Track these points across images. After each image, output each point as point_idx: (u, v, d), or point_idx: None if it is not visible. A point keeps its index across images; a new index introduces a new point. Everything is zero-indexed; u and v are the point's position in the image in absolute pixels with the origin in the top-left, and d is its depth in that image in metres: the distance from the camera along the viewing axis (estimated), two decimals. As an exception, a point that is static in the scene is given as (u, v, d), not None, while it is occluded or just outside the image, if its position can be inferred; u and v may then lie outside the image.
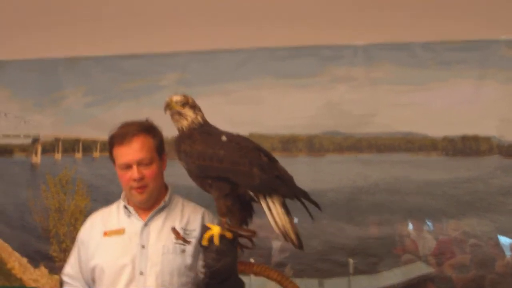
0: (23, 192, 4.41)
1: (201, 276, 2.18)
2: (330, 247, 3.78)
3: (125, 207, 2.50)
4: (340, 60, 3.90)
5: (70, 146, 4.41)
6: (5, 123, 4.49)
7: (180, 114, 2.28)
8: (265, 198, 2.15)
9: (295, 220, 3.57)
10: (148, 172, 2.38)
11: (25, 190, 4.41)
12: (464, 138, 3.77)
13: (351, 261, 3.77)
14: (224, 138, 2.19)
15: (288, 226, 2.14)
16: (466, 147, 3.78)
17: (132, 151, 2.36)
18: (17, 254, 4.36)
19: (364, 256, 3.77)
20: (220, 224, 2.17)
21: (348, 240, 3.79)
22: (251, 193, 2.17)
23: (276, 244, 3.91)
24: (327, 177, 3.70)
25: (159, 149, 2.45)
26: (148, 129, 2.43)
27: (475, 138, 3.76)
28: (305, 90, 3.93)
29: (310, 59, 3.96)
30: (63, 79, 4.37)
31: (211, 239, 2.15)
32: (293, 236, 2.15)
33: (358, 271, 3.77)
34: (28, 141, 4.48)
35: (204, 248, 2.17)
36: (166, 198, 2.51)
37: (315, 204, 2.19)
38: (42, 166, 4.47)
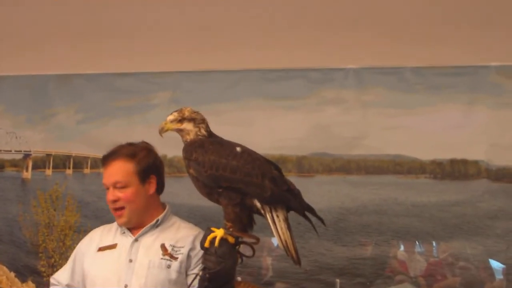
0: (13, 207, 4.41)
1: (200, 279, 2.17)
2: (318, 267, 3.79)
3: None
4: (331, 82, 3.93)
5: (61, 162, 4.42)
6: (-3, 138, 4.50)
7: (181, 131, 2.27)
8: (270, 211, 2.16)
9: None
10: (122, 195, 2.47)
11: (15, 205, 4.41)
12: (453, 162, 3.79)
13: (338, 281, 3.78)
14: (238, 149, 2.19)
15: (289, 241, 2.15)
16: (455, 170, 3.79)
17: (107, 174, 2.50)
18: (5, 269, 4.35)
19: (352, 277, 3.77)
20: (224, 227, 2.17)
21: (336, 260, 3.80)
22: (258, 205, 2.16)
23: (264, 262, 3.92)
24: (315, 197, 3.72)
25: (143, 174, 2.51)
26: (132, 154, 2.51)
27: (464, 162, 3.77)
28: (295, 111, 3.96)
29: (300, 81, 3.98)
30: (55, 96, 4.38)
31: (212, 242, 2.15)
32: (293, 251, 2.16)
33: (345, 292, 3.79)
34: (19, 156, 4.48)
35: (205, 250, 2.17)
36: (160, 216, 2.55)
37: (321, 220, 2.22)
38: (33, 182, 4.47)
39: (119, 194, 2.46)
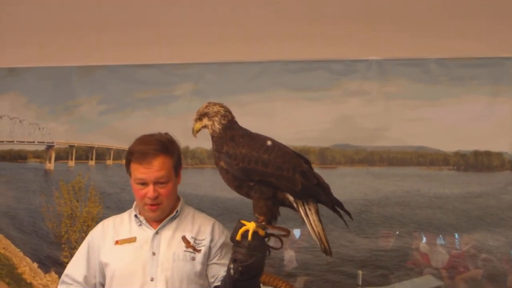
0: (36, 198, 4.45)
1: (231, 272, 2.15)
2: (340, 258, 3.80)
3: (136, 216, 2.54)
4: (354, 74, 3.93)
5: (84, 153, 4.44)
6: (20, 129, 4.53)
7: (205, 127, 2.29)
8: (303, 205, 2.16)
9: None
10: (163, 191, 2.43)
11: (38, 196, 4.45)
12: (476, 154, 3.78)
13: (360, 272, 3.79)
14: (269, 142, 2.19)
15: (322, 233, 2.16)
16: (478, 162, 3.78)
17: (150, 171, 2.40)
18: (28, 259, 4.40)
19: (374, 268, 3.79)
20: (255, 221, 2.16)
21: (358, 252, 3.81)
22: (291, 199, 2.17)
23: (287, 254, 3.93)
24: (338, 189, 3.71)
25: (176, 166, 2.49)
26: (167, 148, 2.45)
27: (487, 154, 3.76)
28: (317, 103, 3.97)
29: (322, 73, 3.98)
30: (78, 87, 4.41)
31: (243, 235, 2.14)
32: (325, 242, 2.17)
33: (367, 283, 3.78)
34: (42, 147, 4.51)
35: (236, 243, 2.16)
36: (178, 207, 2.55)
37: (348, 214, 2.21)
38: (56, 173, 4.50)
39: (160, 190, 2.42)
